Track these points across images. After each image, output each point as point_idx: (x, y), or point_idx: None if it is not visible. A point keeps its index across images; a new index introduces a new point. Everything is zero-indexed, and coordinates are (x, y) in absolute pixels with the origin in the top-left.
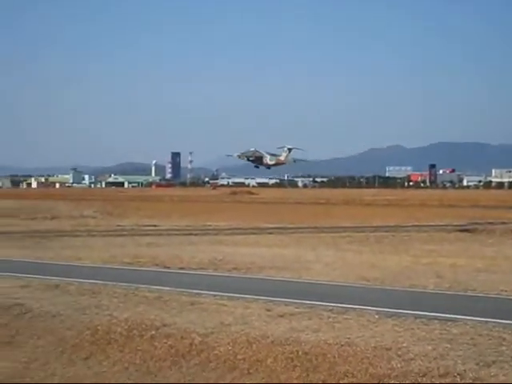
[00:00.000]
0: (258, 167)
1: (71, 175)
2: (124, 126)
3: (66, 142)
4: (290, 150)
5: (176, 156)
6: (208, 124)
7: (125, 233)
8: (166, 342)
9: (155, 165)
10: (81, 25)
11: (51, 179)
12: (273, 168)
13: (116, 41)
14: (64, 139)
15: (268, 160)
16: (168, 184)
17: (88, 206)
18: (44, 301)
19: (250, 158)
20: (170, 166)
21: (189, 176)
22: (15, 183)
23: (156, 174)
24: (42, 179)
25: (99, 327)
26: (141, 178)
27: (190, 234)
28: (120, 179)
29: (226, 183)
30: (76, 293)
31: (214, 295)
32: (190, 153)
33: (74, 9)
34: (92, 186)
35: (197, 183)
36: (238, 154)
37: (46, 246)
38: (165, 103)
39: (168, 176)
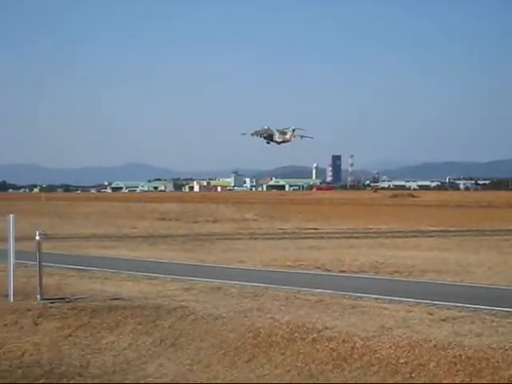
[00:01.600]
0: (268, 143)
1: (232, 178)
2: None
3: (227, 146)
4: (293, 130)
5: (336, 159)
6: (368, 126)
7: (286, 236)
8: (327, 345)
9: (316, 168)
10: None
11: (213, 182)
12: (433, 170)
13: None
14: (226, 143)
15: (277, 138)
16: (328, 187)
17: (249, 209)
18: (207, 303)
19: (264, 135)
20: (330, 168)
21: (349, 179)
22: (178, 186)
23: (316, 177)
24: (204, 183)
25: (261, 330)
26: (301, 181)
27: (351, 237)
28: (281, 182)
29: (386, 186)
30: (238, 295)
31: (376, 298)
32: (351, 156)
33: None
34: (253, 189)
35: (357, 186)
36: (252, 132)
37: (208, 249)
38: (324, 105)
39: (328, 179)
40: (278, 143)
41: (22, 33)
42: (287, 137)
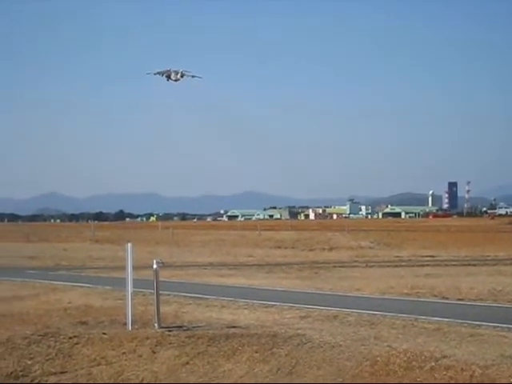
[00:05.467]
0: (168, 80)
1: (348, 206)
2: (400, 156)
3: (342, 173)
4: (182, 71)
5: (453, 186)
6: (486, 151)
7: (402, 263)
8: (445, 374)
9: (432, 195)
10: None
11: (328, 210)
12: None
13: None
14: (340, 170)
15: (172, 76)
16: (445, 214)
17: (365, 236)
18: (323, 331)
19: (165, 75)
20: (446, 195)
21: (466, 206)
22: (293, 214)
23: (432, 204)
24: (320, 210)
25: (378, 358)
26: (417, 209)
27: (469, 265)
28: (397, 209)
29: (504, 213)
30: (355, 323)
31: (494, 326)
32: (468, 182)
33: None
34: (369, 216)
35: (474, 213)
36: (155, 71)
37: (324, 277)
38: (440, 132)
39: (445, 206)
40: (174, 81)
41: None
42: (179, 76)
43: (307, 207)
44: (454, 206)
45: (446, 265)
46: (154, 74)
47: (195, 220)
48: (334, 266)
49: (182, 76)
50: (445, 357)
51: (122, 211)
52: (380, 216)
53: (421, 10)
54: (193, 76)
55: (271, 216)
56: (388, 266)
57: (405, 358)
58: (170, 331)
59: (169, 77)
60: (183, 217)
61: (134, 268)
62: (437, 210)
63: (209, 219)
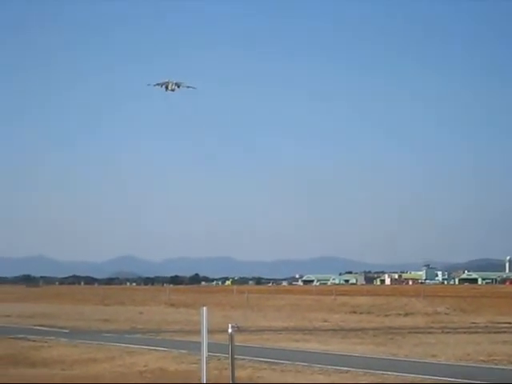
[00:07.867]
0: (166, 91)
1: (424, 272)
2: (477, 221)
3: (418, 238)
4: (179, 82)
5: None
6: None
7: (479, 330)
8: None
9: (509, 261)
10: None
11: (404, 276)
12: None
13: None
14: (416, 235)
15: (170, 86)
16: None
17: (441, 302)
18: None
19: (163, 86)
20: None
21: None
22: (369, 279)
23: (510, 270)
24: (395, 276)
25: None
26: (494, 275)
27: None
28: (473, 275)
29: None
30: None
31: None
32: None
33: None
34: (445, 282)
35: None
36: (155, 83)
37: (399, 343)
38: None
39: None
40: (172, 90)
41: None
42: (174, 86)
43: (383, 272)
44: None
45: None
46: (154, 86)
47: (270, 284)
48: (410, 332)
49: (178, 86)
50: None
51: (197, 275)
52: (457, 282)
53: None
54: (188, 86)
55: (347, 281)
56: (464, 333)
57: None
58: None
59: (167, 87)
60: (258, 281)
61: (209, 332)
62: None
63: (284, 284)
